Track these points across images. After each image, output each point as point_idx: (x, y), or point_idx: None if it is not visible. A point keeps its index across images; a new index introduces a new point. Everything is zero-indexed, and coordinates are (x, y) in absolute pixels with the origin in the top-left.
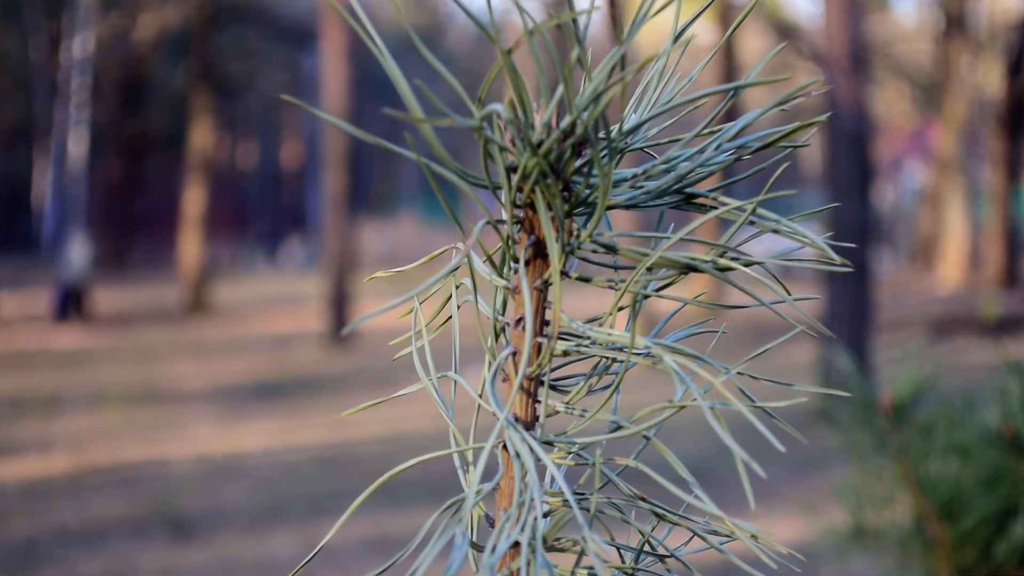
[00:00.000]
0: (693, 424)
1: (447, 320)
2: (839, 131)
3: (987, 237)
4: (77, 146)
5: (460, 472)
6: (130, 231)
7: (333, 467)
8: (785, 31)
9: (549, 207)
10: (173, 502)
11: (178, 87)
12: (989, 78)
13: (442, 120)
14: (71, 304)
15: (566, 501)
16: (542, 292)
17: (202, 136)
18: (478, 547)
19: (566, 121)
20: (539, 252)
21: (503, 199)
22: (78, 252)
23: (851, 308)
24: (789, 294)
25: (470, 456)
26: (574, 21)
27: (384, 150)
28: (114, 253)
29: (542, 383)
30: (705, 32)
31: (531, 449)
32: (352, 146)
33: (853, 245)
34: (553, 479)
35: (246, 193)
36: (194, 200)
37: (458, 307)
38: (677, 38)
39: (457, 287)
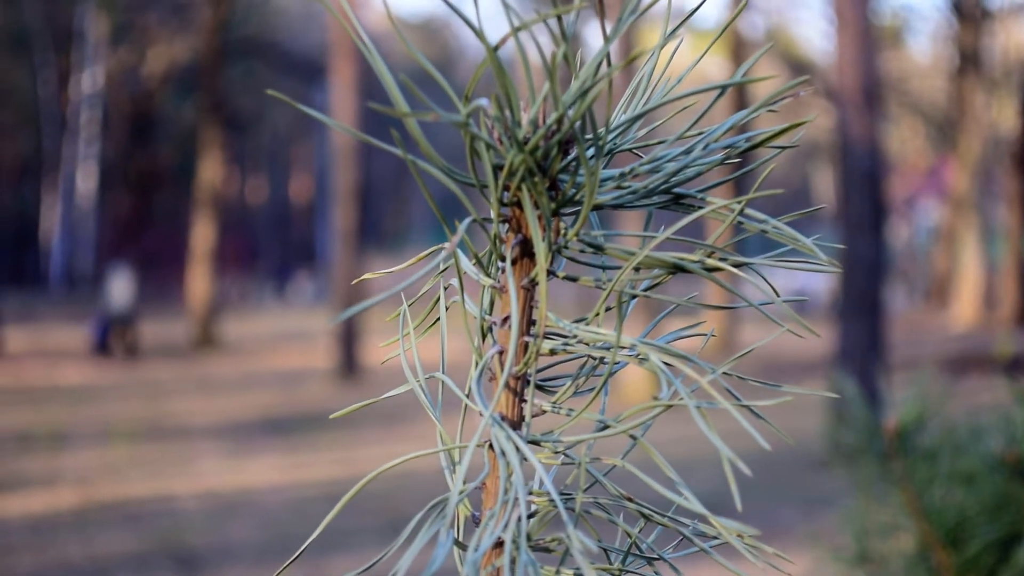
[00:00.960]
0: (712, 458)
1: (436, 321)
2: (852, 168)
3: (1002, 275)
4: (86, 181)
5: (446, 472)
6: (139, 266)
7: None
8: (798, 68)
9: (536, 205)
10: (180, 538)
11: (187, 122)
12: (1004, 116)
13: (427, 114)
14: (113, 338)
15: (552, 500)
16: (529, 291)
17: (211, 171)
18: (462, 545)
19: (552, 118)
20: (526, 251)
21: (490, 197)
22: (121, 286)
23: (864, 345)
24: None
25: (456, 455)
26: (559, 17)
27: (393, 186)
28: None
29: (529, 382)
30: (718, 69)
31: (516, 447)
32: (362, 181)
33: (851, 243)
34: (540, 479)
35: (255, 228)
36: (203, 235)
37: (446, 308)
38: (668, 36)
39: (446, 288)
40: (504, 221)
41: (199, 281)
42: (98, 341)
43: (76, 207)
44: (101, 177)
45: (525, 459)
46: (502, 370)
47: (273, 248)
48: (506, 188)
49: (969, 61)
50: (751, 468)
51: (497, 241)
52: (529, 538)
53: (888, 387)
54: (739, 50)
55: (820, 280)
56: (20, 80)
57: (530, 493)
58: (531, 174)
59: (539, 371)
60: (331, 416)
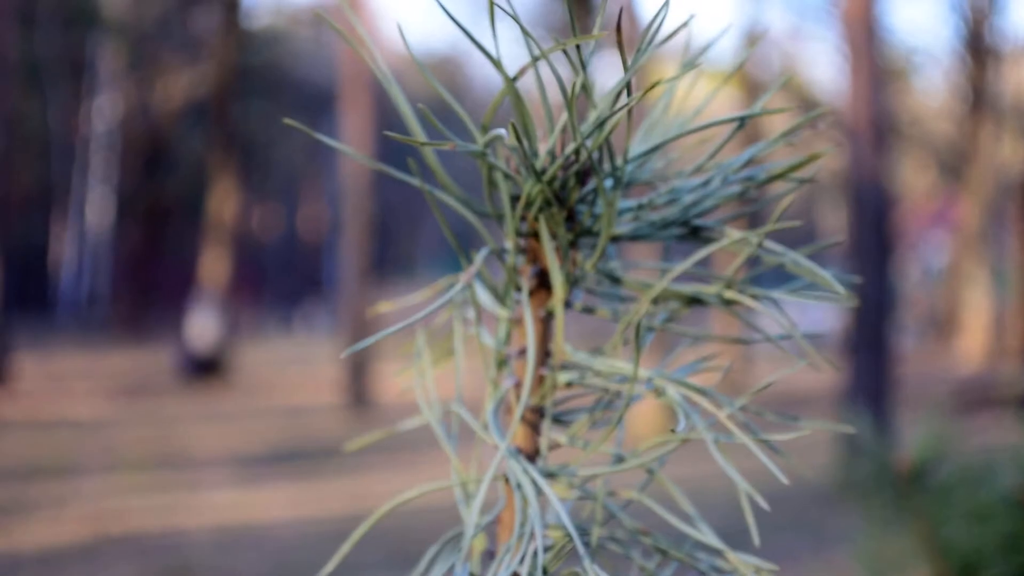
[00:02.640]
0: (721, 491)
1: (451, 352)
2: (861, 204)
3: (1010, 313)
4: (98, 212)
5: (461, 505)
6: (150, 297)
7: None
8: (810, 105)
9: (553, 236)
10: (188, 570)
11: (199, 154)
12: (1014, 154)
13: (445, 144)
14: (203, 368)
15: (568, 534)
16: (545, 323)
17: (222, 202)
18: None
19: (570, 148)
20: (543, 282)
21: (506, 228)
22: (204, 323)
23: (872, 382)
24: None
25: (472, 488)
26: (578, 47)
27: (404, 215)
28: (133, 319)
29: (545, 415)
30: (732, 106)
31: (533, 481)
32: (374, 212)
33: (867, 281)
34: (556, 512)
35: (265, 259)
36: (213, 266)
37: (462, 339)
38: (685, 68)
39: (463, 320)
40: (520, 252)
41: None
42: (190, 367)
43: (88, 238)
44: (114, 208)
45: (541, 492)
46: (518, 402)
47: (283, 279)
48: (523, 219)
49: (979, 100)
50: (767, 501)
51: (514, 272)
52: (545, 572)
53: (897, 423)
54: (752, 89)
55: (830, 315)
56: (31, 111)
57: (546, 527)
58: (548, 205)
59: (555, 403)
60: (346, 448)
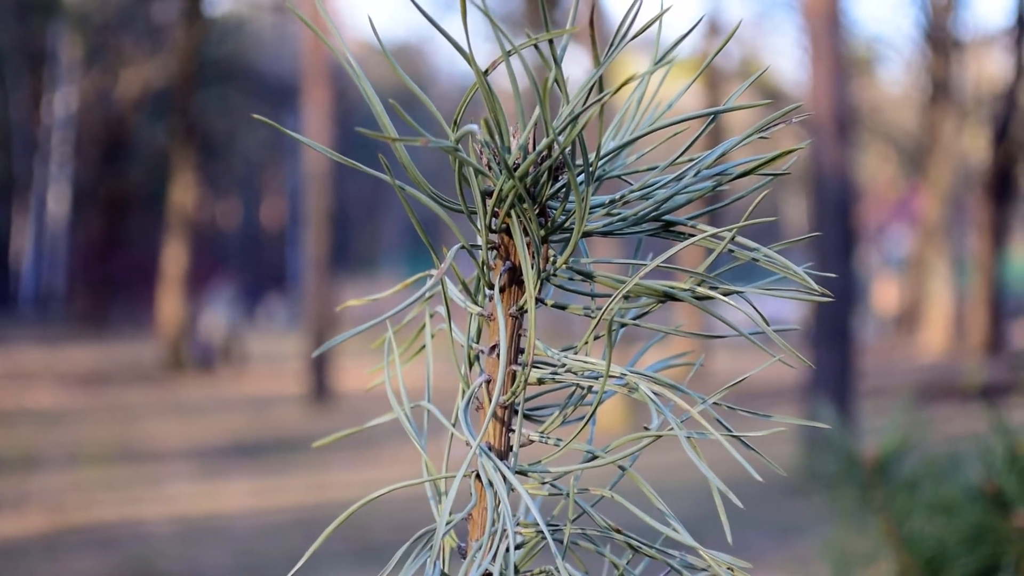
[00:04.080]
0: (685, 486)
1: (421, 348)
2: (824, 196)
3: (972, 304)
4: (58, 203)
5: (432, 502)
6: (110, 288)
7: (313, 529)
8: (772, 96)
9: (525, 232)
10: (151, 563)
11: (160, 145)
12: (975, 145)
13: (415, 140)
14: (217, 354)
15: (539, 531)
16: (517, 319)
17: (183, 194)
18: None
19: (542, 144)
20: (515, 278)
21: (478, 224)
22: (224, 305)
23: (835, 374)
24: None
25: (442, 485)
26: (551, 42)
27: (366, 210)
28: (93, 310)
29: (517, 412)
30: (693, 97)
31: (504, 478)
32: (334, 205)
33: (834, 275)
34: (527, 509)
35: (226, 251)
36: (174, 258)
37: (432, 335)
38: (658, 63)
39: (431, 315)
40: (492, 248)
41: (170, 304)
42: (203, 356)
43: (47, 229)
44: (73, 199)
45: (512, 489)
46: (489, 399)
47: (244, 271)
48: (495, 215)
49: (941, 91)
50: (721, 495)
51: (485, 268)
52: (517, 570)
53: (860, 414)
54: (714, 79)
55: (789, 307)
56: None
57: (517, 524)
58: (520, 200)
59: (526, 400)
60: (314, 445)
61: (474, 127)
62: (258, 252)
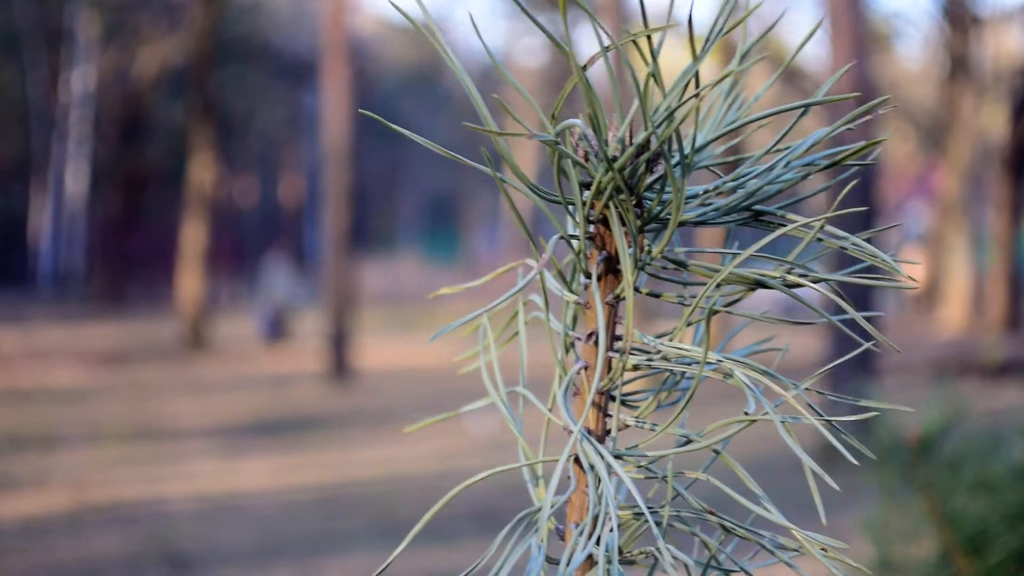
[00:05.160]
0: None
1: (514, 335)
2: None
3: (990, 280)
4: (76, 182)
5: (530, 486)
6: (128, 266)
7: (334, 507)
8: (790, 74)
9: (622, 222)
10: (172, 540)
11: (178, 123)
12: (994, 121)
13: (520, 134)
14: (276, 326)
15: (636, 514)
16: (613, 307)
17: (202, 172)
18: (551, 559)
19: (641, 137)
20: (609, 267)
21: (576, 215)
22: (281, 276)
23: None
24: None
25: (539, 469)
26: (648, 38)
27: (383, 187)
28: (111, 289)
29: (612, 397)
30: (710, 72)
31: (605, 462)
32: (353, 183)
33: (917, 262)
34: (622, 492)
35: (245, 229)
36: (193, 236)
37: (525, 323)
38: (743, 56)
39: (524, 303)
40: (588, 238)
41: (189, 282)
42: (271, 330)
43: (66, 208)
44: (91, 178)
45: (613, 473)
46: (587, 385)
47: (263, 249)
48: (592, 206)
49: (959, 67)
50: (753, 471)
51: (583, 258)
52: (620, 551)
53: (880, 391)
54: (728, 57)
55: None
56: (9, 80)
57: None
58: (618, 191)
59: (619, 385)
60: (406, 431)
61: (577, 121)
62: (276, 230)
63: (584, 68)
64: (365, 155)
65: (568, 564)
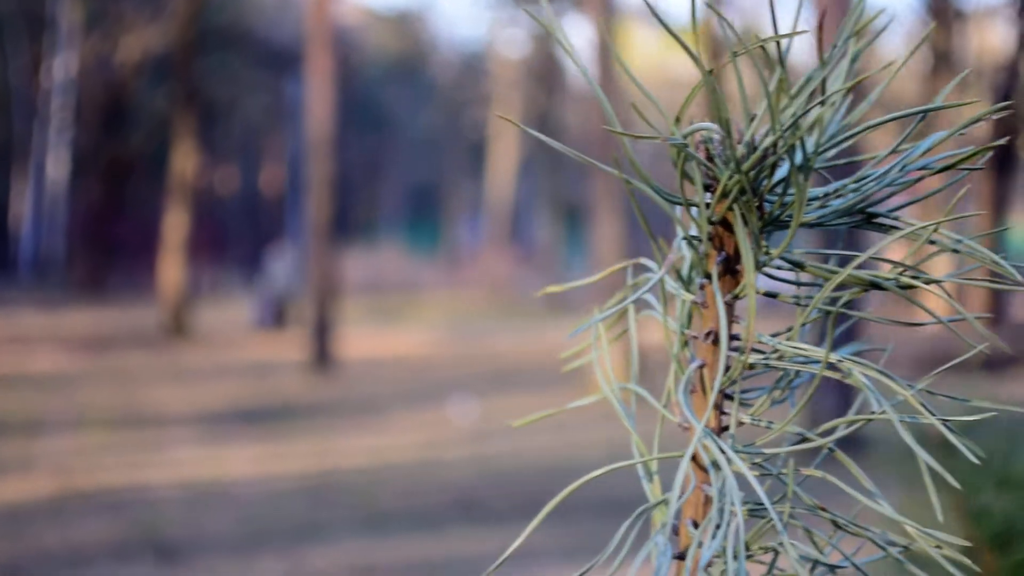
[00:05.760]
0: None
1: (623, 332)
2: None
3: (972, 276)
4: (57, 168)
5: (644, 482)
6: (109, 254)
7: (318, 495)
8: (775, 66)
9: (744, 223)
10: (157, 527)
11: (160, 110)
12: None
13: (652, 137)
14: (275, 315)
15: (751, 510)
16: (731, 307)
17: (184, 160)
18: (679, 556)
19: (768, 140)
20: (728, 268)
21: (698, 215)
22: (283, 265)
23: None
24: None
25: (654, 466)
26: (777, 43)
27: (364, 178)
28: (92, 275)
29: (727, 395)
30: (688, 70)
31: (728, 459)
32: (336, 173)
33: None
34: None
35: (226, 217)
36: (175, 224)
37: (635, 320)
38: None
39: (633, 301)
40: (708, 238)
41: (171, 269)
42: (269, 317)
43: (47, 194)
44: (72, 164)
45: (734, 470)
46: (703, 383)
47: (244, 237)
48: (712, 206)
49: (942, 61)
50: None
51: (703, 258)
52: (747, 547)
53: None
54: (716, 51)
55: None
56: None
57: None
58: (743, 193)
59: (734, 383)
60: (514, 424)
61: (713, 125)
62: (257, 217)
63: (711, 72)
64: (347, 145)
65: (694, 560)
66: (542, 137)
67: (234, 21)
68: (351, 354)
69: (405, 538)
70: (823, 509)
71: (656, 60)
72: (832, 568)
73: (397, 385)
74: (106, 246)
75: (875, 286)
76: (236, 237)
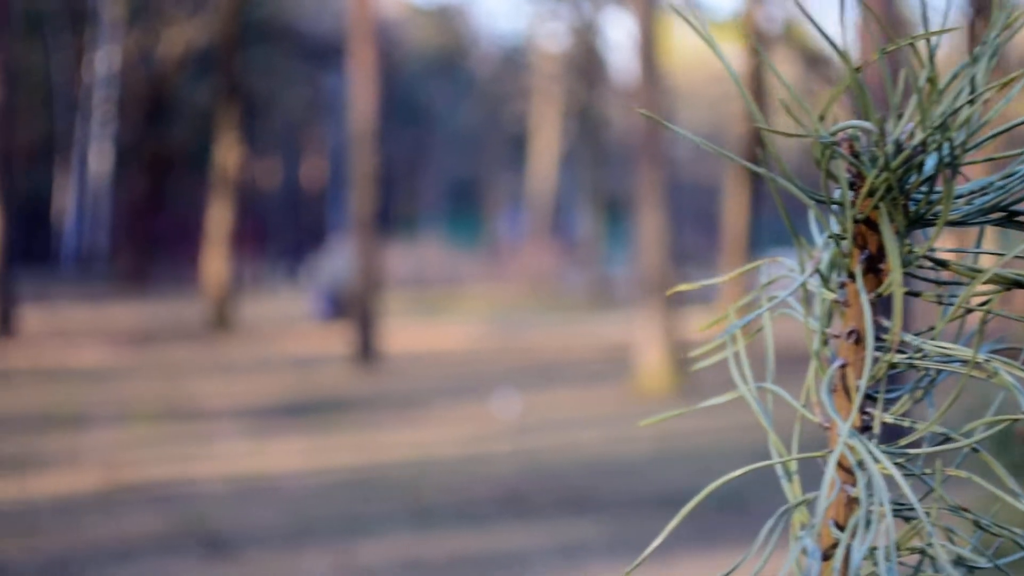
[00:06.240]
0: (732, 450)
1: (758, 331)
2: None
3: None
4: (100, 162)
5: (784, 482)
6: (152, 247)
7: (364, 489)
8: (814, 59)
9: (891, 221)
10: (204, 520)
11: (202, 104)
12: (1018, 108)
13: (802, 135)
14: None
15: (896, 511)
16: (874, 306)
17: (227, 153)
18: (827, 555)
19: (918, 138)
20: (870, 267)
21: (843, 214)
22: (342, 258)
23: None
24: None
25: (793, 466)
26: (927, 40)
27: (405, 172)
28: (136, 269)
29: (868, 395)
30: (736, 64)
31: (875, 459)
32: (379, 166)
33: None
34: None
35: (267, 211)
36: (218, 217)
37: (770, 319)
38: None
39: (770, 299)
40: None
41: (215, 263)
42: (329, 309)
43: (90, 188)
44: (115, 158)
45: (882, 470)
46: (844, 383)
47: (285, 231)
48: (856, 205)
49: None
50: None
51: (847, 257)
52: (898, 548)
53: None
54: (758, 44)
55: None
56: (35, 61)
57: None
58: (889, 192)
59: (876, 383)
60: (642, 423)
61: (864, 123)
62: (299, 211)
63: (858, 71)
64: (388, 139)
65: (842, 561)
66: (682, 132)
67: (275, 14)
68: (394, 348)
69: (451, 532)
70: (965, 510)
71: (698, 53)
72: (972, 569)
73: (440, 379)
74: (149, 239)
75: (1019, 285)
76: (277, 231)
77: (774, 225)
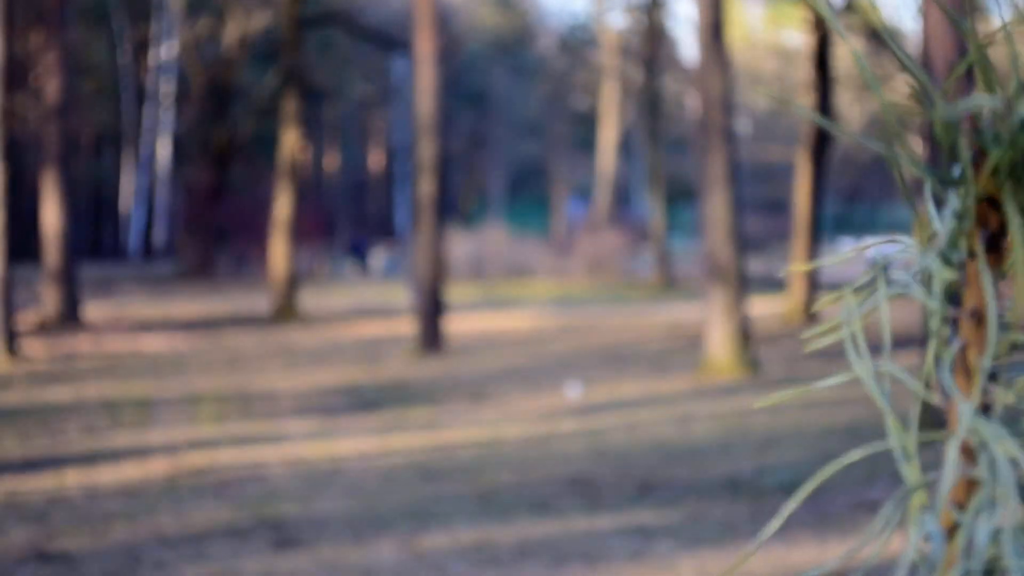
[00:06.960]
0: (795, 433)
1: (872, 310)
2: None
3: None
4: (164, 152)
5: (901, 463)
6: (216, 237)
7: (431, 474)
8: (879, 35)
9: (1015, 199)
10: (272, 508)
11: (265, 92)
12: None
13: (928, 112)
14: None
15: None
16: (996, 285)
17: (291, 141)
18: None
19: None
20: (991, 246)
21: (965, 191)
22: (377, 260)
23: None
24: None
25: (912, 447)
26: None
27: (467, 160)
28: (201, 259)
29: (998, 377)
30: (795, 40)
31: (1000, 441)
32: (441, 154)
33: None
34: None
35: (331, 200)
36: (284, 206)
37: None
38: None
39: (887, 280)
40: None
41: (280, 252)
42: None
43: (153, 178)
44: (178, 148)
45: (1007, 452)
46: (967, 363)
47: (349, 220)
48: (979, 183)
49: None
50: (841, 441)
51: (968, 236)
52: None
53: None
54: (819, 21)
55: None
56: (99, 51)
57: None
58: (1014, 169)
59: (997, 363)
60: (756, 405)
61: (995, 99)
62: (363, 200)
63: (984, 47)
64: (451, 124)
65: (967, 545)
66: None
67: (338, 1)
68: (459, 334)
69: (520, 518)
70: None
71: (759, 31)
72: None
73: (505, 365)
74: (213, 229)
75: None
76: (342, 220)
77: (835, 211)
